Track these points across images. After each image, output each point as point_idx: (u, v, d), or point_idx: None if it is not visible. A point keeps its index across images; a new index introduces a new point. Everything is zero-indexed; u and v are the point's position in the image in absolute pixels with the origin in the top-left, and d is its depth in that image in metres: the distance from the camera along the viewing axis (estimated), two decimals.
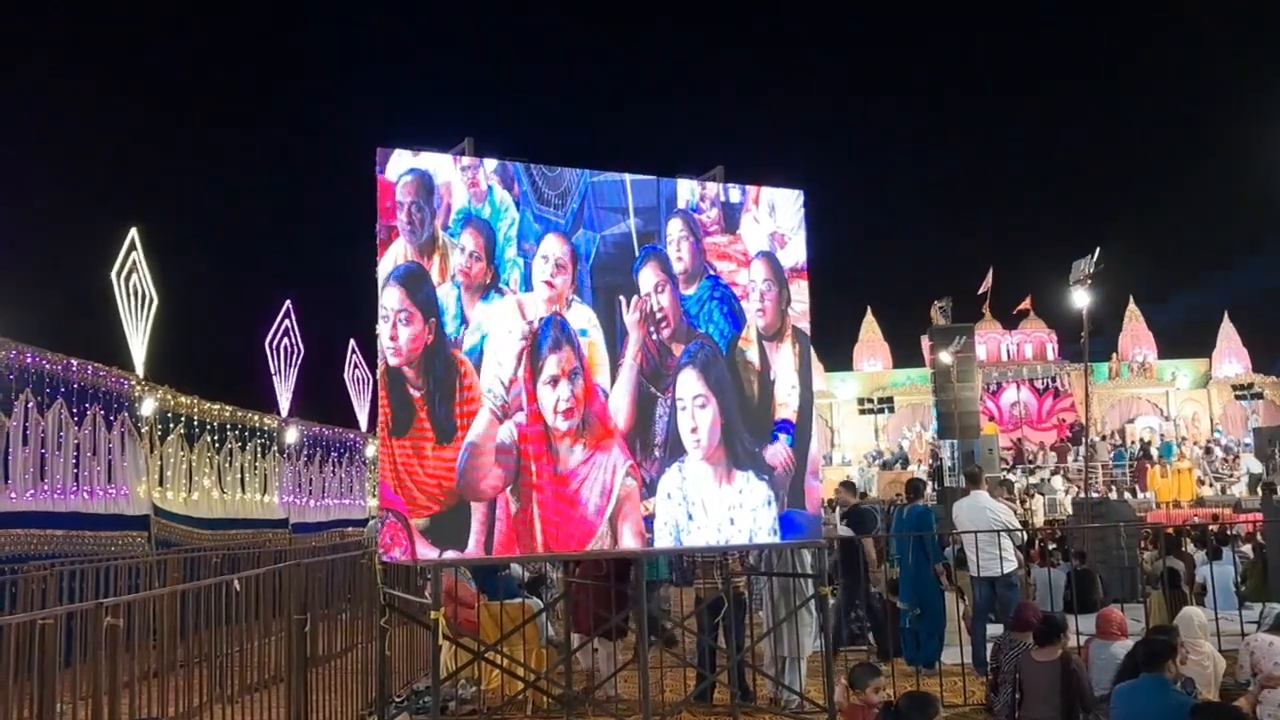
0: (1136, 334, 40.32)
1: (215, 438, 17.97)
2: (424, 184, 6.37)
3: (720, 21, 71.54)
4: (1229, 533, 14.73)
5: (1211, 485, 29.70)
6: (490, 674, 8.13)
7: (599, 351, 6.70)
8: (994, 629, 8.70)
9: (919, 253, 55.97)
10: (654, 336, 6.89)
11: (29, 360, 11.77)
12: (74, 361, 12.75)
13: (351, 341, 31.19)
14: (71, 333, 16.38)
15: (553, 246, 6.67)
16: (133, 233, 16.64)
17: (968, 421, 23.38)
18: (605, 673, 8.53)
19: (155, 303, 17.09)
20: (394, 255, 6.24)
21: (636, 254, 6.93)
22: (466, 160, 6.53)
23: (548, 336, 6.55)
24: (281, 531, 20.01)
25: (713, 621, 8.31)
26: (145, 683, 5.79)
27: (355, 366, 31.22)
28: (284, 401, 24.26)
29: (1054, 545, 14.27)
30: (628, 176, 7.01)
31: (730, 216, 7.32)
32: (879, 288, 53.24)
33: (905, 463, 34.36)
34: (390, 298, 6.19)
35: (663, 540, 6.78)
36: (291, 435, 21.68)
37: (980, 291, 39.03)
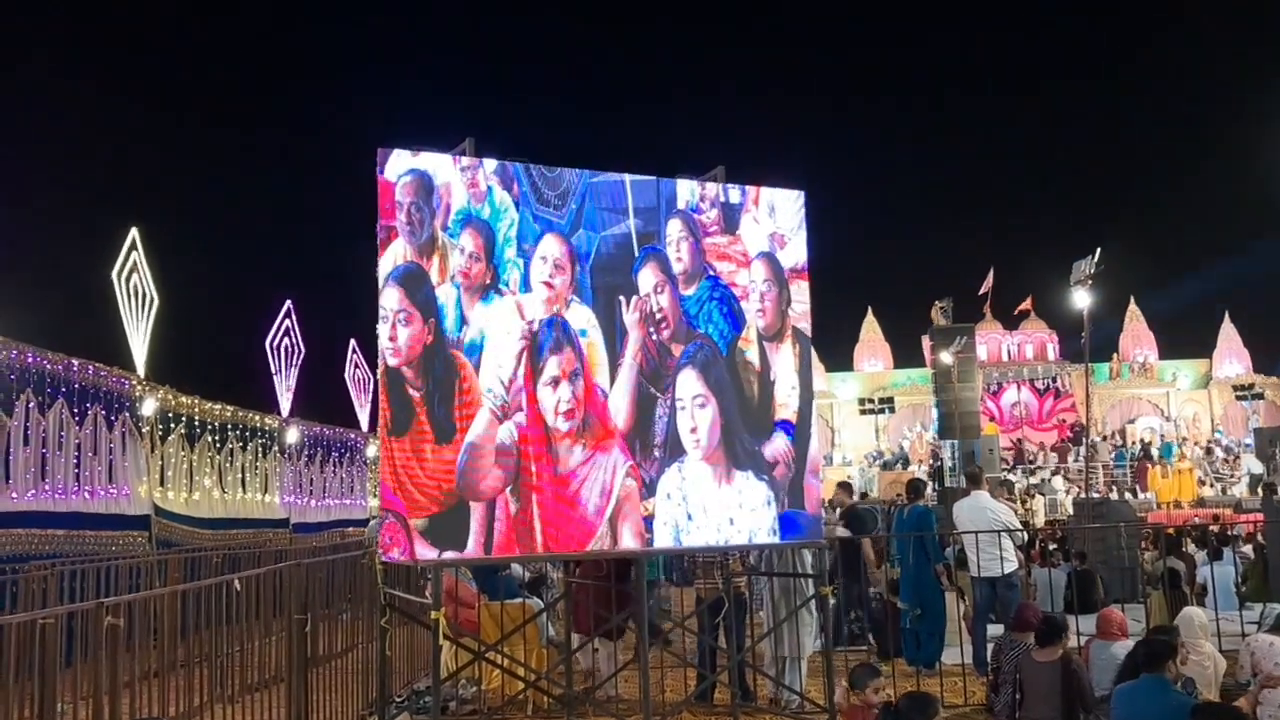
0: (1137, 334, 40.26)
1: (216, 438, 17.99)
2: (423, 184, 6.38)
3: (720, 21, 71.52)
4: (1229, 533, 14.74)
5: (1212, 486, 29.67)
6: (491, 674, 8.14)
7: (598, 352, 6.70)
8: (994, 629, 8.71)
9: (919, 253, 55.92)
10: (654, 337, 6.89)
11: (30, 360, 11.78)
12: (75, 361, 12.77)
13: (352, 341, 31.21)
14: (72, 333, 16.40)
15: (551, 247, 6.67)
16: (133, 233, 16.66)
17: (968, 422, 23.34)
18: (606, 673, 8.53)
19: (156, 303, 17.11)
20: (393, 255, 6.25)
21: (636, 254, 6.93)
22: (466, 161, 6.53)
23: (549, 337, 6.55)
24: (282, 531, 20.02)
25: (713, 621, 8.31)
26: (146, 682, 5.79)
27: (356, 366, 31.21)
28: (285, 401, 24.25)
29: (1054, 545, 14.25)
30: (627, 177, 7.01)
31: (730, 217, 7.31)
32: (879, 288, 53.34)
33: (906, 463, 34.30)
34: (390, 298, 6.20)
35: (662, 540, 6.78)
36: (292, 435, 21.70)
37: (981, 292, 39.02)
